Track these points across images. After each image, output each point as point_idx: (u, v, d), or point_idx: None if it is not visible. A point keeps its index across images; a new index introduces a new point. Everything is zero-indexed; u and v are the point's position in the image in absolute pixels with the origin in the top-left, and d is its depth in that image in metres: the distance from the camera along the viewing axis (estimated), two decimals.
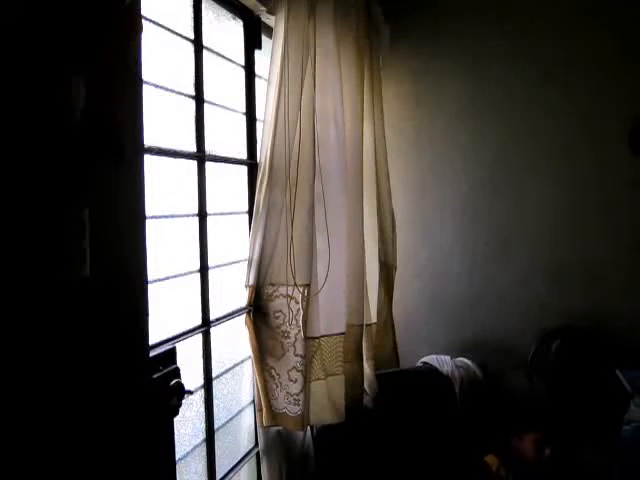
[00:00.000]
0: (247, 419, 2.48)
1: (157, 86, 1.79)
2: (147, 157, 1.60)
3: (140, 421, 1.47)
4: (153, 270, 1.63)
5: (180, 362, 1.73)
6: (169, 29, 1.88)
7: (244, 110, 2.46)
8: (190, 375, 1.85)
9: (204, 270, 2.08)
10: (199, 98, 2.05)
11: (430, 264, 3.45)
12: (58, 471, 1.20)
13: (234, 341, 2.34)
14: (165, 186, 1.87)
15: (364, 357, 2.72)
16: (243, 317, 2.23)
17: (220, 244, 2.22)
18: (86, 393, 1.28)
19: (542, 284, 3.20)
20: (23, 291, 1.12)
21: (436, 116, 3.43)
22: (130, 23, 1.38)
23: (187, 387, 1.68)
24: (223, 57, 2.28)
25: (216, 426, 2.16)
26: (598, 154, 3.16)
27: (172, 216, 1.93)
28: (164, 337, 1.77)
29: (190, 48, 2.02)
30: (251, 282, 2.20)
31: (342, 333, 2.46)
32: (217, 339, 2.16)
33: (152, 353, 1.61)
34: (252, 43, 2.48)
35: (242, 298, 2.24)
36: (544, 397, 2.14)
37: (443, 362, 3.12)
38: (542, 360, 2.27)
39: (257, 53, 2.51)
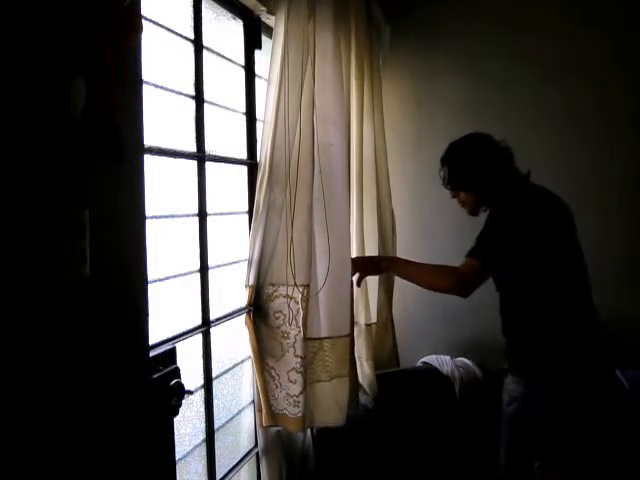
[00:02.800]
0: (247, 419, 2.48)
1: (157, 86, 1.79)
2: (147, 157, 1.60)
3: (140, 421, 1.47)
4: (153, 270, 1.63)
5: (180, 362, 1.73)
6: (169, 29, 1.87)
7: (244, 110, 2.46)
8: (190, 375, 1.85)
9: (204, 270, 2.08)
10: (199, 98, 2.05)
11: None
12: (58, 471, 1.21)
13: (234, 341, 2.34)
14: (165, 186, 1.87)
15: (364, 357, 2.72)
16: (243, 317, 2.23)
17: (220, 244, 2.22)
18: (86, 393, 1.28)
19: None
20: (23, 291, 1.12)
21: (436, 116, 3.43)
22: (130, 23, 1.38)
23: (187, 387, 1.68)
24: (223, 57, 2.28)
25: (216, 426, 2.16)
26: (598, 154, 3.16)
27: (172, 216, 1.93)
28: (164, 337, 1.77)
29: (190, 48, 2.02)
30: (251, 282, 2.20)
31: (348, 335, 2.46)
32: (217, 339, 2.16)
33: (152, 353, 1.61)
34: (252, 43, 2.48)
35: (242, 298, 2.24)
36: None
37: (443, 362, 3.12)
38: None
39: (257, 53, 2.51)
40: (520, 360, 2.13)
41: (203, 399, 2.09)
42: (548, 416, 2.05)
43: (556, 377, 2.05)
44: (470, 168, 2.24)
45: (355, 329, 2.62)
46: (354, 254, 2.58)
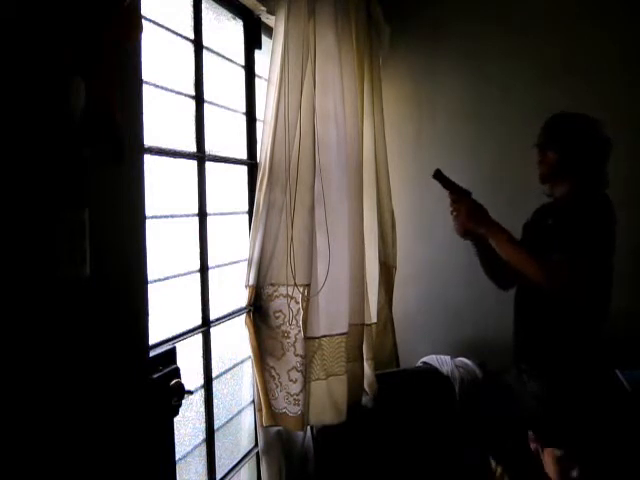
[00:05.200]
0: (247, 419, 2.48)
1: (157, 86, 1.79)
2: (147, 157, 1.60)
3: (140, 421, 1.47)
4: (153, 270, 1.63)
5: (180, 362, 1.73)
6: (169, 29, 1.88)
7: (244, 110, 2.46)
8: (190, 375, 1.85)
9: (204, 270, 2.08)
10: (199, 98, 2.05)
11: (430, 264, 3.45)
12: (59, 471, 1.21)
13: (234, 341, 2.34)
14: (165, 186, 1.87)
15: (364, 357, 2.72)
16: (243, 317, 2.23)
17: (220, 244, 2.22)
18: (86, 393, 1.28)
19: None
20: (23, 291, 1.12)
21: (436, 116, 3.43)
22: (130, 23, 1.38)
23: (187, 387, 1.68)
24: (223, 57, 2.28)
25: (216, 426, 2.16)
26: None
27: (172, 216, 1.93)
28: (164, 337, 1.77)
29: (190, 48, 2.02)
30: (251, 282, 2.20)
31: (344, 333, 2.46)
32: (217, 339, 2.16)
33: (152, 353, 1.61)
34: (252, 43, 2.48)
35: (242, 298, 2.25)
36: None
37: (443, 362, 3.12)
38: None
39: (257, 53, 2.51)
40: (549, 359, 2.15)
41: (203, 399, 2.09)
42: (570, 413, 2.08)
43: (585, 375, 2.10)
44: (572, 130, 2.20)
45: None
46: (353, 254, 2.58)
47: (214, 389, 2.15)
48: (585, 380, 2.08)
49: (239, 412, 2.41)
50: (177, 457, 1.78)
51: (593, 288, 2.06)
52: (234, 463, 2.31)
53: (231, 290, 2.30)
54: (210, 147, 2.12)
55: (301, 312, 2.20)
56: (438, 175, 2.28)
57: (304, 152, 2.18)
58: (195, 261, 2.05)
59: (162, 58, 1.84)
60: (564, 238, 2.05)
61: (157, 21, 1.78)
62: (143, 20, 1.49)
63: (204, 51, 2.09)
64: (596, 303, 2.12)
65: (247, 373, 2.45)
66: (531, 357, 2.20)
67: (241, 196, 2.47)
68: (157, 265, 1.71)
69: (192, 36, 2.02)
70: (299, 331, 2.19)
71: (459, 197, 2.23)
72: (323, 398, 2.38)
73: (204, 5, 2.10)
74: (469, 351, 3.21)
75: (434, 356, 3.19)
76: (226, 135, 2.31)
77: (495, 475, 2.39)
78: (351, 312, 2.55)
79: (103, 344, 1.35)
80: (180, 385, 1.65)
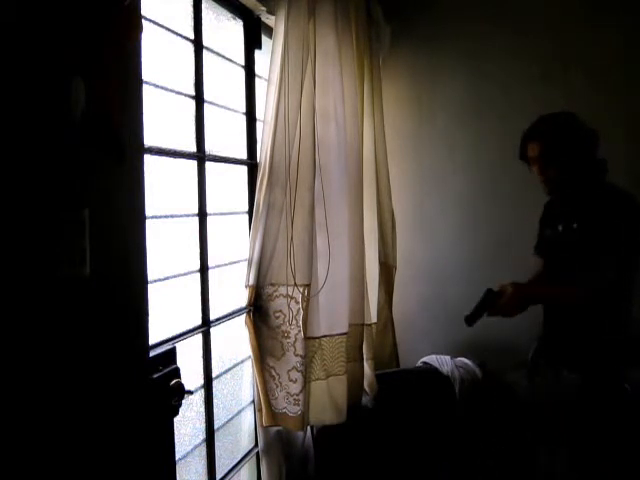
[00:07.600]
0: (247, 419, 2.48)
1: (157, 86, 1.79)
2: (147, 157, 1.60)
3: (140, 421, 1.47)
4: (153, 270, 1.63)
5: (180, 362, 1.73)
6: (169, 29, 1.88)
7: (244, 110, 2.46)
8: (190, 375, 1.85)
9: (204, 270, 2.08)
10: (199, 98, 2.05)
11: (430, 264, 3.45)
12: (59, 471, 1.21)
13: (234, 341, 2.34)
14: (165, 186, 1.87)
15: (364, 357, 2.72)
16: (243, 317, 2.23)
17: (220, 244, 2.22)
18: (86, 393, 1.28)
19: None
20: (23, 291, 1.12)
21: (436, 116, 3.43)
22: (130, 23, 1.38)
23: (187, 387, 1.68)
24: (223, 57, 2.28)
25: (216, 426, 2.16)
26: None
27: (172, 216, 1.93)
28: (164, 337, 1.77)
29: (190, 48, 2.02)
30: (251, 282, 2.20)
31: (344, 333, 2.46)
32: (217, 339, 2.16)
33: (152, 353, 1.61)
34: (252, 43, 2.48)
35: (242, 298, 2.25)
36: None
37: (443, 362, 3.12)
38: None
39: (257, 53, 2.51)
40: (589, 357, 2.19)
41: (203, 399, 2.09)
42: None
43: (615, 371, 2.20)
44: (552, 122, 2.25)
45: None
46: (353, 254, 2.58)
47: (214, 389, 2.15)
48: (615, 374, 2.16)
49: (239, 412, 2.41)
50: (177, 457, 1.78)
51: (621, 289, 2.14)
52: (234, 463, 2.32)
53: (231, 290, 2.31)
54: (210, 147, 2.12)
55: (301, 312, 2.20)
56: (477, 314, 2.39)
57: (304, 152, 2.18)
58: (195, 261, 2.05)
59: (162, 58, 1.84)
60: (594, 249, 2.10)
61: (157, 21, 1.78)
62: (143, 20, 1.49)
63: (204, 51, 2.09)
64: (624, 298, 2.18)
65: (247, 373, 2.45)
66: (566, 350, 2.22)
67: (241, 196, 2.47)
68: (157, 265, 1.71)
69: (192, 36, 2.02)
70: (299, 331, 2.19)
71: (496, 309, 2.34)
72: (323, 398, 2.38)
73: (204, 5, 2.10)
74: (469, 351, 3.21)
75: (434, 356, 3.19)
76: (226, 135, 2.32)
77: None
78: (351, 312, 2.55)
79: (103, 344, 1.35)
80: (180, 385, 1.65)
